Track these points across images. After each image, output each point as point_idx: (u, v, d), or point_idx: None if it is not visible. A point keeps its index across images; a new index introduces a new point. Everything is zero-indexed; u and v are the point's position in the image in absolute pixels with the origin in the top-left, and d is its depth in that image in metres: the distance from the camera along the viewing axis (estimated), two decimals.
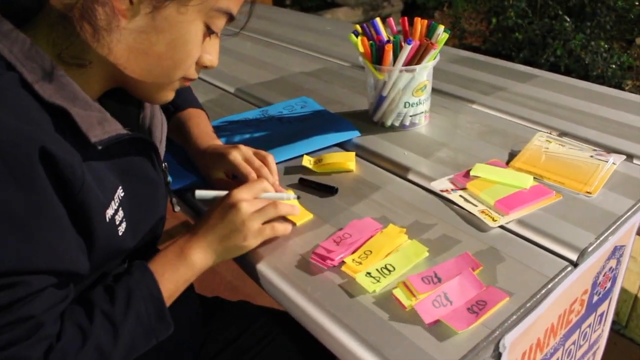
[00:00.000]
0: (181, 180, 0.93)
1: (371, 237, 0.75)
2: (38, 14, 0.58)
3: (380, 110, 1.07)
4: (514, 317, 0.62)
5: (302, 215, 0.82)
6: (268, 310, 0.95)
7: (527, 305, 0.64)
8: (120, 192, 0.62)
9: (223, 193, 0.76)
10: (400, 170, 0.94)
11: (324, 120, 1.12)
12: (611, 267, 0.88)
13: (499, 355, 0.63)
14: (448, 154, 0.97)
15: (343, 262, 0.71)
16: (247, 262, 0.76)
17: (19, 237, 0.50)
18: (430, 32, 1.00)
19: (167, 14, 0.58)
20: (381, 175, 0.93)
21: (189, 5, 0.58)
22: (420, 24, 1.01)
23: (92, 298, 0.61)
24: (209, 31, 0.63)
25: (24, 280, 0.51)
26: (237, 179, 0.90)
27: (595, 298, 0.88)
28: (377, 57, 1.01)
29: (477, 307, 0.63)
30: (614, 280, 0.93)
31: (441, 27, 0.99)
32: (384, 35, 1.03)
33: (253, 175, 0.82)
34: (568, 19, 3.23)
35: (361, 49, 1.02)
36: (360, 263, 0.70)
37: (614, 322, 1.55)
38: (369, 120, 1.11)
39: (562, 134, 1.04)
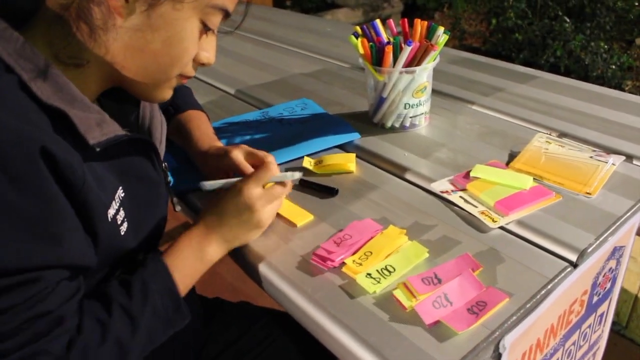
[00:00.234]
0: (182, 182, 0.93)
1: (371, 238, 0.76)
2: (35, 15, 0.58)
3: (381, 111, 1.07)
4: (514, 317, 0.63)
5: (302, 216, 0.82)
6: (269, 311, 0.96)
7: (527, 306, 0.64)
8: (120, 193, 0.63)
9: (232, 181, 0.76)
10: (400, 172, 0.94)
11: (325, 122, 1.13)
12: (611, 268, 0.88)
13: (499, 355, 0.63)
14: (448, 155, 0.98)
15: (343, 263, 0.71)
16: (248, 264, 0.76)
17: (31, 234, 0.51)
18: (430, 33, 1.01)
19: (163, 12, 0.58)
20: (381, 177, 0.93)
21: (184, 2, 0.59)
22: (420, 25, 1.01)
23: (109, 292, 0.61)
24: (205, 28, 0.63)
25: (40, 276, 0.52)
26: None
27: (595, 299, 0.89)
28: (377, 58, 1.01)
29: (477, 308, 0.63)
30: (613, 280, 0.93)
31: (441, 29, 0.99)
32: (384, 36, 1.03)
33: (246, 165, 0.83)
34: (568, 20, 3.24)
35: (361, 51, 1.02)
36: (361, 264, 0.71)
37: (614, 323, 1.55)
38: (369, 121, 1.12)
39: (562, 134, 1.04)
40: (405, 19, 1.06)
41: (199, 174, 0.94)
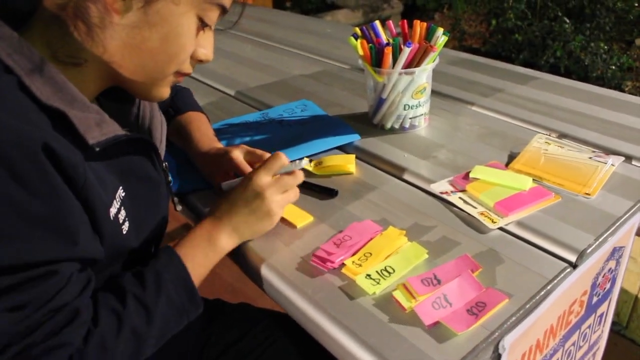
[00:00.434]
0: (183, 183, 0.93)
1: (371, 239, 0.76)
2: (32, 15, 0.58)
3: (380, 112, 1.07)
4: (514, 318, 0.63)
5: (302, 218, 0.82)
6: (269, 313, 0.96)
7: (527, 306, 0.64)
8: (121, 192, 0.63)
9: None
10: (400, 173, 0.95)
11: (324, 124, 1.13)
12: (610, 268, 0.88)
13: (499, 356, 0.63)
14: (447, 156, 0.98)
15: (343, 265, 0.72)
16: (248, 265, 0.76)
17: (44, 229, 0.51)
18: (429, 34, 1.01)
19: (159, 8, 0.58)
20: (381, 178, 0.94)
21: None
22: (419, 26, 1.02)
23: (122, 284, 0.62)
24: (202, 24, 0.63)
25: (54, 269, 0.53)
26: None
27: (595, 299, 0.89)
28: (376, 59, 1.01)
29: (476, 309, 0.63)
30: (613, 281, 0.93)
31: (440, 30, 0.99)
32: (384, 38, 1.03)
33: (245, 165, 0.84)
34: (567, 21, 3.24)
35: (361, 52, 1.02)
36: (360, 265, 0.71)
37: (614, 323, 1.55)
38: (369, 122, 1.12)
39: (561, 135, 1.04)
40: (405, 20, 1.06)
41: (199, 175, 0.94)
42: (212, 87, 1.42)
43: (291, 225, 0.81)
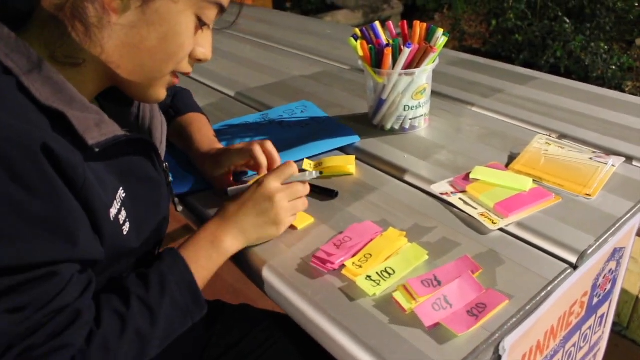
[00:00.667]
0: (184, 185, 0.93)
1: (371, 240, 0.76)
2: (30, 16, 0.58)
3: (380, 113, 1.07)
4: (514, 319, 0.63)
5: (302, 219, 0.82)
6: (270, 314, 0.96)
7: (527, 307, 0.64)
8: (121, 193, 0.63)
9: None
10: (400, 173, 0.95)
11: (325, 126, 1.13)
12: (611, 269, 0.88)
13: (499, 357, 0.63)
14: (448, 157, 0.98)
15: (343, 266, 0.72)
16: (249, 266, 0.76)
17: (44, 230, 0.51)
18: (429, 35, 1.01)
19: (158, 7, 0.58)
20: (381, 179, 0.94)
21: None
22: (419, 27, 1.02)
23: (126, 285, 0.62)
24: (200, 23, 0.63)
25: (54, 270, 0.53)
26: (239, 180, 0.91)
27: (595, 300, 0.89)
28: (376, 60, 1.01)
29: (476, 310, 0.63)
30: (614, 282, 0.93)
31: (440, 31, 0.99)
32: (383, 38, 1.03)
33: (256, 146, 0.85)
34: (568, 21, 3.24)
35: (361, 53, 1.02)
36: (361, 266, 0.71)
37: (615, 324, 1.55)
38: (369, 123, 1.12)
39: (562, 136, 1.04)
40: (405, 21, 1.06)
41: (199, 176, 0.94)
42: (212, 88, 1.42)
43: (292, 226, 0.81)
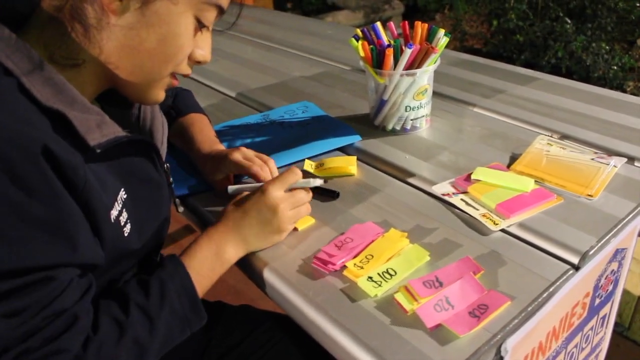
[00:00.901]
0: (185, 186, 0.93)
1: (372, 241, 0.76)
2: (30, 18, 0.58)
3: (382, 114, 1.07)
4: (516, 320, 0.63)
5: (304, 220, 0.82)
6: (271, 315, 0.96)
7: (529, 309, 0.64)
8: (122, 194, 0.63)
9: (257, 185, 0.79)
10: (402, 174, 0.94)
11: (325, 125, 1.13)
12: (613, 270, 0.88)
13: (501, 358, 0.63)
14: (449, 158, 0.98)
15: (345, 267, 0.71)
16: (250, 268, 0.76)
17: (42, 233, 0.51)
18: (430, 36, 1.01)
19: (157, 8, 0.58)
20: (382, 179, 0.93)
21: None
22: (420, 27, 1.01)
23: (126, 292, 0.62)
24: (200, 25, 0.63)
25: (54, 274, 0.52)
26: (240, 181, 0.91)
27: (597, 301, 0.88)
28: (378, 61, 1.01)
29: (478, 311, 0.63)
30: (615, 282, 0.93)
31: (441, 31, 0.99)
32: (385, 39, 1.03)
33: (256, 167, 0.85)
34: (569, 21, 3.23)
35: (362, 53, 1.02)
36: (362, 267, 0.70)
37: (617, 324, 1.55)
38: (370, 124, 1.12)
39: (563, 136, 1.04)
40: (406, 22, 1.06)
41: (200, 177, 0.94)
42: (213, 88, 1.42)
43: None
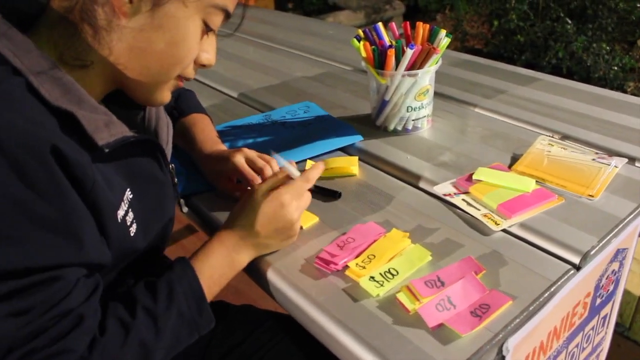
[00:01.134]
0: (187, 185, 0.93)
1: (374, 241, 0.76)
2: (39, 17, 0.58)
3: (383, 114, 1.08)
4: (517, 320, 0.63)
5: (307, 218, 0.82)
6: (272, 314, 0.96)
7: (530, 308, 0.64)
8: (129, 194, 0.63)
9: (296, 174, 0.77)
10: (403, 175, 0.95)
11: (327, 125, 1.13)
12: (614, 270, 0.88)
13: (503, 358, 0.63)
14: (451, 158, 0.98)
15: (347, 267, 0.72)
16: (252, 267, 0.76)
17: (50, 232, 0.51)
18: (432, 36, 1.01)
19: (167, 11, 0.58)
20: (384, 180, 0.94)
21: (188, 1, 0.59)
22: (422, 28, 1.02)
23: (134, 294, 0.62)
24: (206, 29, 0.63)
25: (61, 274, 0.53)
26: (242, 183, 0.91)
27: (598, 301, 0.89)
28: (379, 61, 1.01)
29: (480, 311, 0.63)
30: (616, 282, 0.93)
31: (443, 32, 1.00)
32: (386, 40, 1.03)
33: (257, 179, 0.83)
34: (570, 21, 3.23)
35: (364, 54, 1.03)
36: (364, 267, 0.71)
37: (617, 324, 1.55)
38: (372, 124, 1.12)
39: (564, 137, 1.04)
40: (407, 22, 1.06)
41: (202, 177, 0.94)
42: (215, 89, 1.42)
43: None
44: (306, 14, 4.62)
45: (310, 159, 0.99)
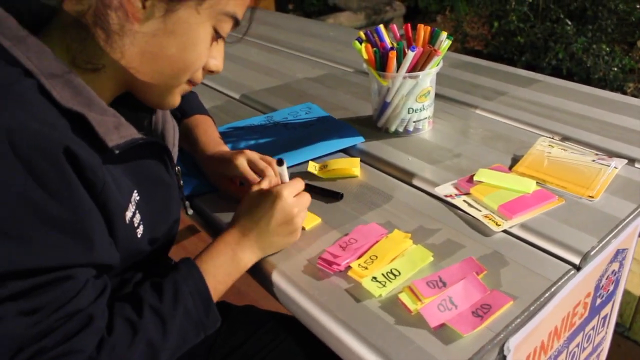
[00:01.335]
0: (190, 187, 0.94)
1: (376, 242, 0.76)
2: (52, 20, 0.59)
3: (384, 116, 1.08)
4: (518, 320, 0.63)
5: (310, 219, 0.83)
6: (274, 315, 0.96)
7: (531, 308, 0.65)
8: (136, 196, 0.63)
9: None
10: (405, 176, 0.95)
11: (329, 126, 1.14)
12: (614, 270, 0.88)
13: (504, 358, 0.64)
14: (451, 159, 0.98)
15: (349, 267, 0.72)
16: (257, 270, 0.76)
17: (61, 233, 0.52)
18: (433, 38, 1.02)
19: (179, 17, 0.59)
20: (386, 181, 0.94)
21: (200, 8, 0.60)
22: (423, 30, 1.02)
23: (140, 294, 0.62)
24: (216, 35, 0.64)
25: (70, 274, 0.53)
26: (244, 184, 0.92)
27: (599, 301, 0.89)
28: (380, 63, 1.02)
29: (481, 311, 0.64)
30: (616, 283, 0.93)
31: (444, 34, 1.00)
32: (388, 41, 1.04)
33: (257, 183, 0.84)
34: (570, 23, 3.24)
35: (365, 56, 1.03)
36: (366, 268, 0.71)
37: (617, 324, 1.56)
38: (373, 126, 1.12)
39: (565, 138, 1.05)
40: (409, 24, 1.06)
41: (205, 179, 0.95)
42: (217, 90, 1.43)
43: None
44: (307, 15, 4.63)
45: (312, 160, 1.00)
